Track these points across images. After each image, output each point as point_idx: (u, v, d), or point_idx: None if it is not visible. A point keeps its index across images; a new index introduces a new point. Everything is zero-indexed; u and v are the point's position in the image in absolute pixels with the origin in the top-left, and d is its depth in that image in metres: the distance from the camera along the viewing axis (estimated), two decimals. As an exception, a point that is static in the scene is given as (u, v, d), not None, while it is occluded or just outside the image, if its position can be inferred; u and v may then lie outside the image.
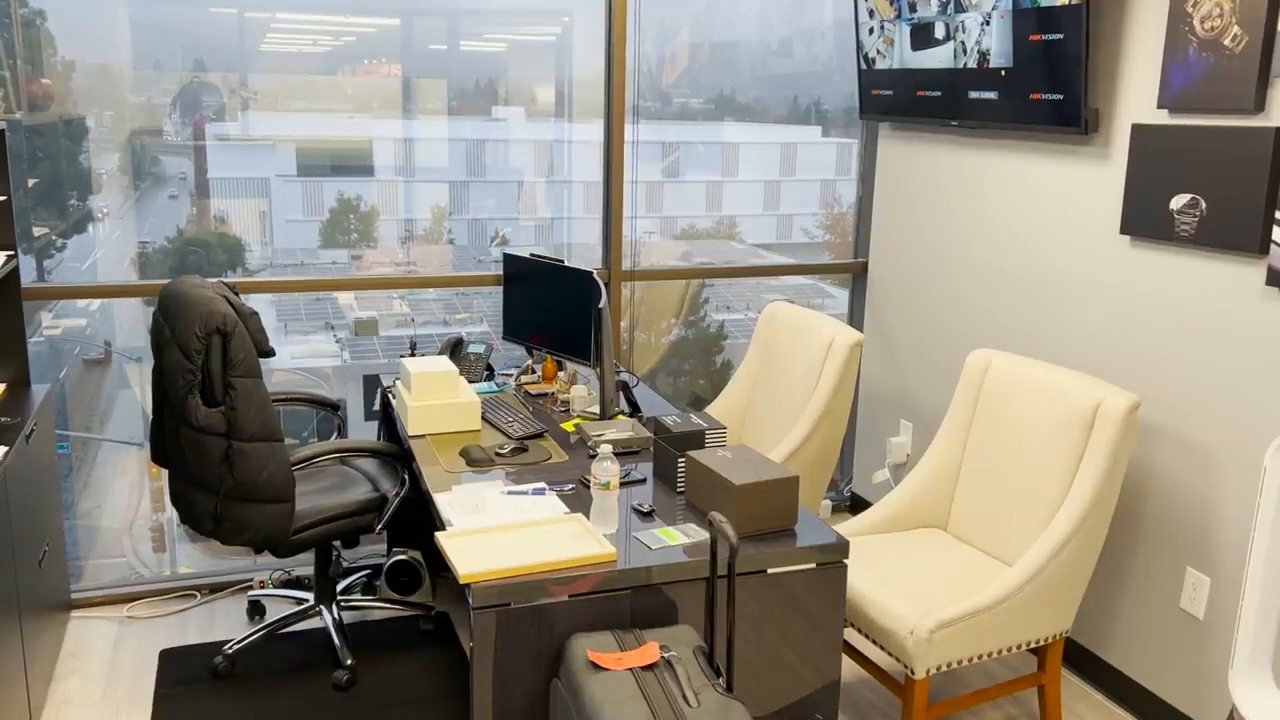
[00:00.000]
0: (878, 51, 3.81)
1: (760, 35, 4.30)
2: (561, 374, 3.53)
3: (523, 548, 2.26)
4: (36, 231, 3.49)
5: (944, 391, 3.86)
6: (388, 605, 3.56)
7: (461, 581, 2.12)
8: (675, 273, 4.36)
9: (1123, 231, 2.98)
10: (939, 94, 3.55)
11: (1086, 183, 3.15)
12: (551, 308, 3.48)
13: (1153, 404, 2.95)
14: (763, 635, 2.33)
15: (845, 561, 2.37)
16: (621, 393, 3.30)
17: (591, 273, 3.31)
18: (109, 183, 3.59)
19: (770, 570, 2.31)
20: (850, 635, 3.30)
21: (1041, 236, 3.34)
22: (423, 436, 3.00)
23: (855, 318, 4.36)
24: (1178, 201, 2.79)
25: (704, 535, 2.37)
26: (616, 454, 2.88)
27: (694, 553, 2.28)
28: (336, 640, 3.18)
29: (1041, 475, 2.84)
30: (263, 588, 3.64)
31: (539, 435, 3.01)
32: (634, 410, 3.28)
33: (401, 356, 3.50)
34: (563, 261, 3.45)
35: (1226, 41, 2.60)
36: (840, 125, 4.41)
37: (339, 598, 3.42)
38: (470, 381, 3.49)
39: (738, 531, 2.35)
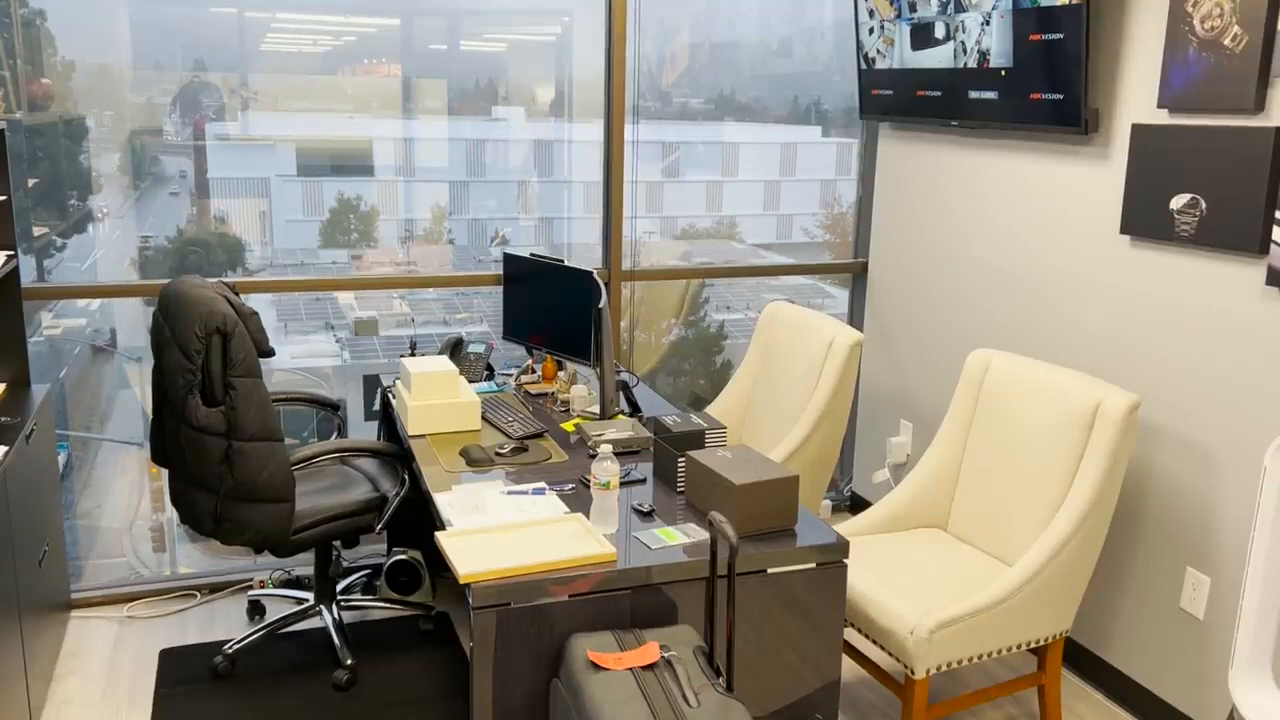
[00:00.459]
0: (878, 51, 3.81)
1: (760, 35, 4.30)
2: (561, 374, 3.53)
3: (523, 548, 2.26)
4: (36, 231, 3.49)
5: (944, 391, 3.86)
6: (388, 605, 3.56)
7: (461, 581, 2.12)
8: (675, 273, 4.36)
9: (1123, 231, 2.98)
10: (939, 94, 3.55)
11: (1086, 183, 3.15)
12: (551, 308, 3.48)
13: (1153, 404, 2.95)
14: (763, 635, 2.33)
15: (845, 561, 2.37)
16: (621, 393, 3.30)
17: (591, 273, 3.31)
18: (109, 182, 3.59)
19: (770, 570, 2.31)
20: (850, 635, 3.30)
21: (1041, 236, 3.34)
22: (423, 436, 3.00)
23: (855, 318, 4.36)
24: (1178, 201, 2.79)
25: (704, 535, 2.37)
26: (616, 454, 2.88)
27: (694, 553, 2.28)
28: (336, 640, 3.18)
29: (1041, 475, 2.84)
30: (263, 587, 3.64)
31: (539, 435, 3.01)
32: (634, 410, 3.28)
33: (401, 356, 3.50)
34: (563, 261, 3.45)
35: (1226, 41, 2.60)
36: (840, 125, 4.41)
37: (339, 598, 3.42)
38: (470, 381, 3.49)
39: (737, 531, 2.35)
